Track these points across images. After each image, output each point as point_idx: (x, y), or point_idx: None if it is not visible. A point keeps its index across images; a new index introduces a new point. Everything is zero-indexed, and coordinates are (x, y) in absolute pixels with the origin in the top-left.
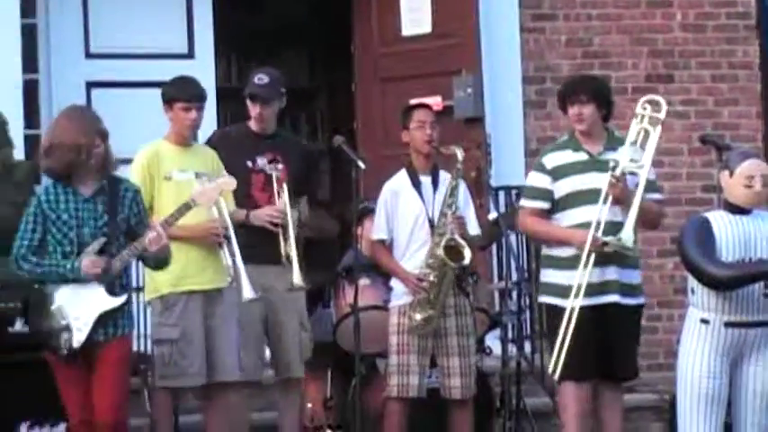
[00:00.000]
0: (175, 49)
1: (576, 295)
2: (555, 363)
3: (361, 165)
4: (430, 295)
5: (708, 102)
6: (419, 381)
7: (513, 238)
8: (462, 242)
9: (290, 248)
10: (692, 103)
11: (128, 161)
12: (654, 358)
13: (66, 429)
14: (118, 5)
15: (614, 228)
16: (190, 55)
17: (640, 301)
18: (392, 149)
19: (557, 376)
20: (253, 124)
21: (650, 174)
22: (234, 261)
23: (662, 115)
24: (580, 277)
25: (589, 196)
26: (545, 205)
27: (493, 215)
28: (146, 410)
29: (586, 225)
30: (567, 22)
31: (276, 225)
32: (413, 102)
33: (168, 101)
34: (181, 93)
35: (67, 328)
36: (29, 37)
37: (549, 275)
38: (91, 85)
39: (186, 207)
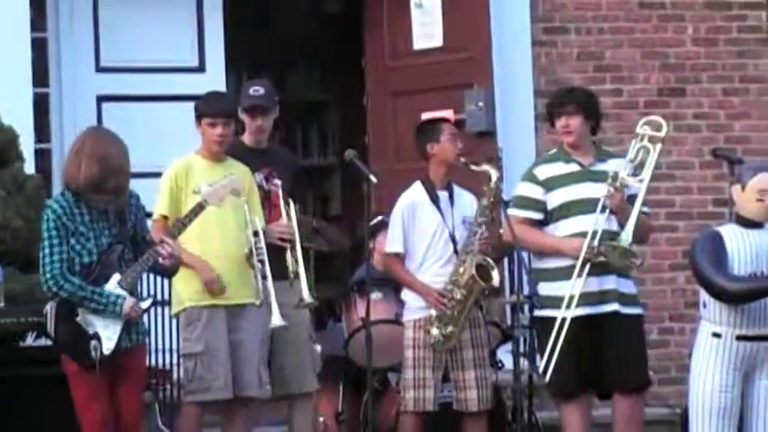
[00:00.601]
0: (186, 63)
1: (569, 306)
2: (545, 369)
3: (373, 179)
4: (453, 312)
5: (719, 115)
6: (434, 395)
7: (524, 252)
8: (492, 263)
9: (298, 264)
10: (704, 117)
11: (137, 175)
12: (665, 372)
13: None
14: (129, 19)
15: (610, 236)
16: (200, 69)
17: (640, 310)
18: (404, 163)
19: (546, 379)
20: (247, 138)
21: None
22: (265, 284)
23: (662, 134)
24: (573, 287)
25: (583, 206)
26: (536, 215)
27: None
28: (158, 426)
29: (581, 235)
30: (578, 36)
31: (285, 241)
32: (430, 115)
33: (198, 116)
34: (207, 108)
35: (96, 337)
36: (40, 51)
37: (541, 288)
38: (101, 99)
39: (200, 207)
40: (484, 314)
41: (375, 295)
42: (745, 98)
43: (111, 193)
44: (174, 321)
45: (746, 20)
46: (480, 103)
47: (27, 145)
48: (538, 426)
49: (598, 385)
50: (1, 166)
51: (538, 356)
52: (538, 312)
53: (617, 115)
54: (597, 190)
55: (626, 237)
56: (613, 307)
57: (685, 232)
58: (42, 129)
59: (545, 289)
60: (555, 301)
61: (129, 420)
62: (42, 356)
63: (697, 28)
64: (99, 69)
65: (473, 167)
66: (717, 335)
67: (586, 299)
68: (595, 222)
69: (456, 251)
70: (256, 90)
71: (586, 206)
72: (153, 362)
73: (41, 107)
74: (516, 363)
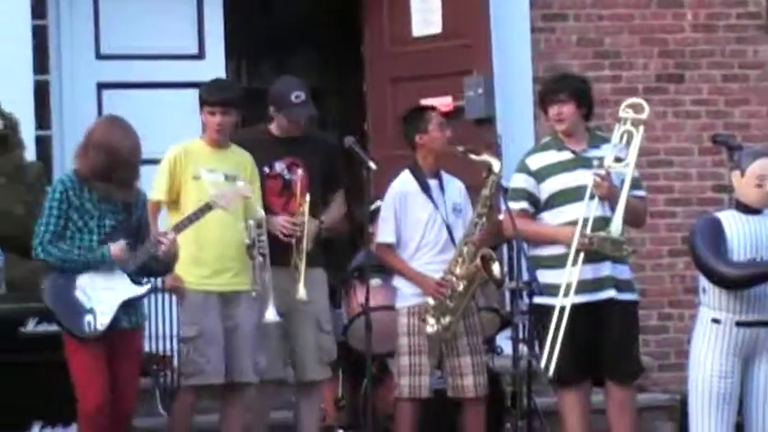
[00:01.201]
0: (186, 50)
1: (566, 294)
2: (547, 361)
3: (373, 165)
4: (450, 302)
5: (719, 102)
6: (429, 381)
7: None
8: (494, 254)
9: (300, 261)
10: (703, 103)
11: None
12: (665, 358)
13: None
14: (128, 7)
15: (605, 223)
16: (200, 56)
17: (635, 297)
18: (403, 150)
19: (550, 373)
20: (275, 128)
21: (634, 172)
22: (263, 278)
23: (644, 116)
24: (569, 275)
25: (577, 194)
26: (529, 206)
27: (502, 216)
28: (158, 411)
29: (576, 222)
30: (577, 23)
31: (288, 236)
32: (421, 103)
33: (201, 103)
34: (208, 96)
35: (91, 311)
36: (40, 38)
37: (539, 275)
38: (102, 86)
39: (207, 207)
40: (476, 301)
41: (375, 282)
42: (744, 84)
43: (117, 183)
44: (175, 308)
45: (746, 6)
46: (479, 90)
47: (28, 132)
48: (537, 412)
49: (594, 372)
50: (2, 153)
51: (536, 344)
52: (536, 299)
53: (616, 102)
54: (590, 177)
55: (615, 227)
56: (609, 294)
57: (684, 218)
58: (43, 116)
59: (542, 276)
60: (551, 289)
61: (125, 397)
62: (43, 342)
63: (696, 14)
64: (99, 56)
65: (473, 157)
66: (716, 321)
67: (582, 286)
68: (585, 211)
69: (452, 239)
70: (299, 96)
71: (580, 194)
72: (153, 348)
73: (42, 94)
74: (515, 349)
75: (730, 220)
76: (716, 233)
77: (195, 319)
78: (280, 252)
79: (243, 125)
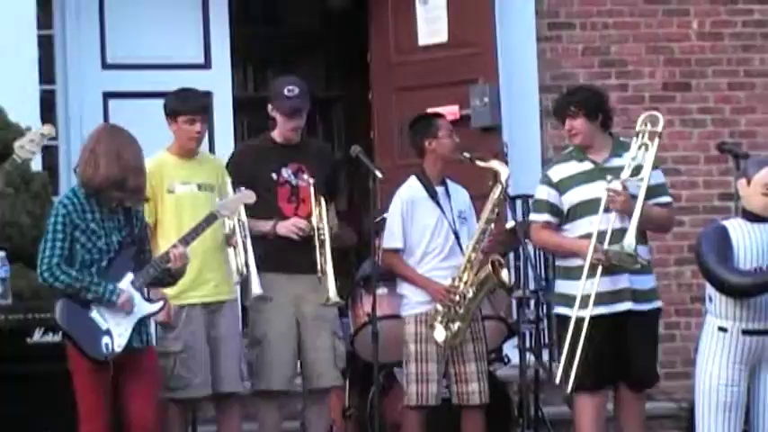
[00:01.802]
0: (192, 60)
1: (583, 306)
2: (564, 373)
3: (379, 174)
4: (459, 309)
5: (725, 110)
6: (437, 389)
7: (530, 246)
8: (503, 261)
9: (326, 262)
10: (709, 112)
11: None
12: (672, 366)
13: None
14: (134, 16)
15: (623, 235)
16: (206, 65)
17: (656, 305)
18: (409, 159)
19: (568, 389)
20: (277, 135)
21: (659, 178)
22: (246, 260)
23: (659, 128)
24: (585, 288)
25: (597, 205)
26: (552, 218)
27: (510, 224)
28: None
29: (592, 235)
30: (583, 31)
31: (300, 235)
32: (428, 111)
33: (171, 114)
34: (184, 106)
35: (108, 333)
36: (46, 48)
37: (561, 286)
38: (108, 96)
39: (213, 217)
40: (480, 309)
41: (381, 291)
42: (750, 92)
43: (131, 191)
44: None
45: (752, 14)
46: (485, 99)
47: None
48: (544, 420)
49: (612, 381)
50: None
51: (545, 352)
52: (555, 309)
53: (623, 110)
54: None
55: (628, 242)
56: (627, 306)
57: (691, 227)
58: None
59: (562, 286)
60: (570, 299)
61: (141, 415)
62: (50, 353)
63: (702, 22)
64: (105, 66)
65: (480, 163)
66: (723, 329)
67: (600, 298)
68: (599, 223)
69: (459, 246)
70: (291, 90)
71: (598, 206)
72: None
73: (48, 104)
74: (522, 358)
75: (737, 229)
76: (722, 241)
77: (179, 333)
78: (299, 259)
79: (249, 133)
